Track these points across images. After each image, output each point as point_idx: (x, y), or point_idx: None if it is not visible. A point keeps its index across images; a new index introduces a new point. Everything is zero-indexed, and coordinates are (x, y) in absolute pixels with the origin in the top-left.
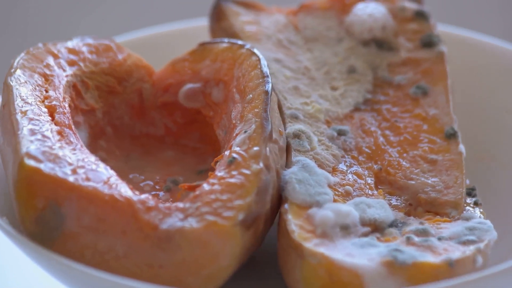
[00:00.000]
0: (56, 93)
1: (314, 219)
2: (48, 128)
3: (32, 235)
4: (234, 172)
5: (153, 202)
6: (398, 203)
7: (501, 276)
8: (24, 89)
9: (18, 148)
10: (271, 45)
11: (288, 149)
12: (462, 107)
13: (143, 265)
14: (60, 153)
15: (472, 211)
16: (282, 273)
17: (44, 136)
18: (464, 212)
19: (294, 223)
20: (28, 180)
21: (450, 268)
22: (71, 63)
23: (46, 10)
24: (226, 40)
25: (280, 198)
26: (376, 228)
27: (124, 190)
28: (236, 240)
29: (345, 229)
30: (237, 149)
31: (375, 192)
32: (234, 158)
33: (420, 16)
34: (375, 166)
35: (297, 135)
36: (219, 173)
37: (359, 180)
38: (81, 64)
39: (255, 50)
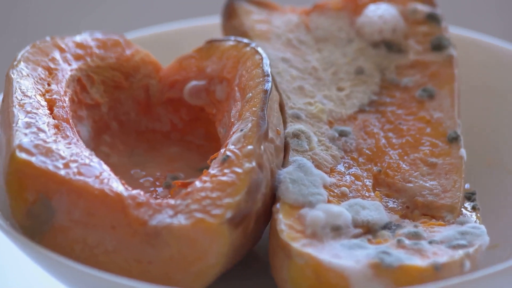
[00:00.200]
0: (58, 87)
1: (305, 219)
2: (45, 121)
3: (23, 228)
4: (226, 170)
5: (144, 198)
6: (395, 206)
7: (484, 280)
8: (25, 82)
9: (11, 140)
10: (280, 45)
11: (286, 148)
12: (469, 111)
13: (132, 260)
14: (54, 147)
15: (469, 216)
16: (272, 273)
17: (39, 129)
18: (461, 216)
19: (283, 223)
20: (19, 173)
21: (436, 272)
22: (78, 57)
23: (46, 10)
24: (232, 38)
25: (274, 197)
26: (368, 230)
27: (116, 185)
28: (224, 238)
29: (336, 230)
30: (232, 147)
31: (372, 194)
32: (227, 156)
33: (432, 18)
34: (374, 168)
35: (296, 135)
36: (212, 170)
37: (356, 182)
38: (88, 58)
39: (259, 49)
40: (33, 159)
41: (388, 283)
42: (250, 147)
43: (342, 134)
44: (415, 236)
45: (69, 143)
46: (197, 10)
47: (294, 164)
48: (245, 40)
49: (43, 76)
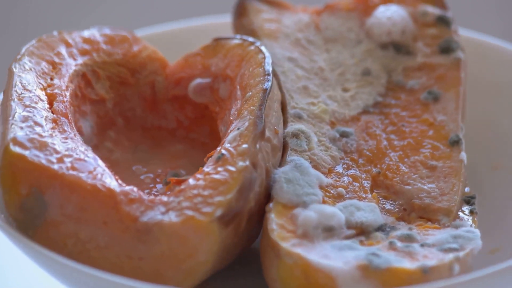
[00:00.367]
0: (60, 82)
1: (297, 219)
2: (43, 115)
3: (17, 221)
4: (220, 168)
5: (136, 194)
6: (392, 208)
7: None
8: (27, 75)
9: (6, 133)
10: (288, 44)
11: (285, 148)
12: (474, 115)
13: (123, 256)
14: (49, 141)
15: (465, 220)
16: (263, 272)
17: (36, 123)
18: (457, 220)
19: (275, 222)
20: (12, 166)
21: (424, 275)
22: (84, 53)
23: (47, 10)
24: (238, 36)
25: (268, 197)
26: (362, 231)
27: (109, 181)
28: (214, 236)
29: (329, 231)
30: (227, 145)
31: (369, 195)
32: (222, 154)
33: (442, 21)
34: (373, 170)
35: (295, 135)
36: (207, 168)
37: (354, 183)
38: (94, 54)
39: (263, 48)
40: (26, 152)
41: (376, 285)
42: (245, 145)
43: (344, 135)
44: (408, 238)
45: (66, 138)
46: (209, 8)
47: (290, 164)
48: (251, 39)
49: (46, 70)
